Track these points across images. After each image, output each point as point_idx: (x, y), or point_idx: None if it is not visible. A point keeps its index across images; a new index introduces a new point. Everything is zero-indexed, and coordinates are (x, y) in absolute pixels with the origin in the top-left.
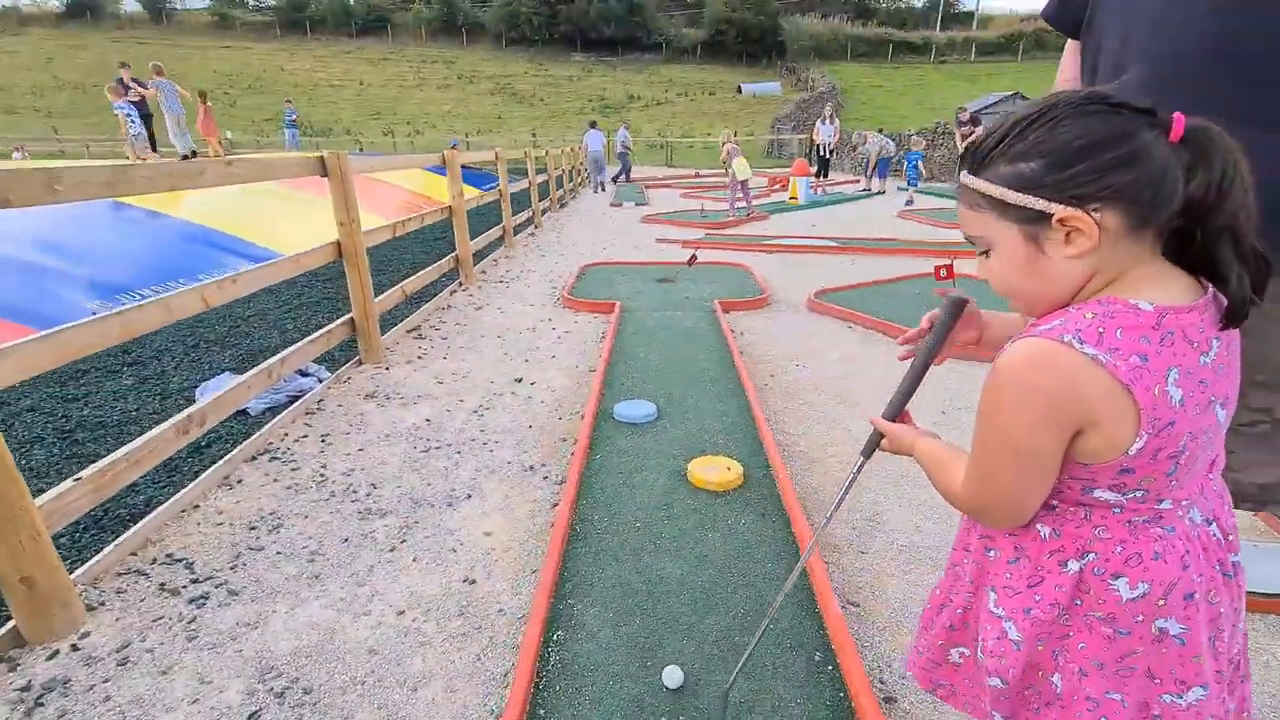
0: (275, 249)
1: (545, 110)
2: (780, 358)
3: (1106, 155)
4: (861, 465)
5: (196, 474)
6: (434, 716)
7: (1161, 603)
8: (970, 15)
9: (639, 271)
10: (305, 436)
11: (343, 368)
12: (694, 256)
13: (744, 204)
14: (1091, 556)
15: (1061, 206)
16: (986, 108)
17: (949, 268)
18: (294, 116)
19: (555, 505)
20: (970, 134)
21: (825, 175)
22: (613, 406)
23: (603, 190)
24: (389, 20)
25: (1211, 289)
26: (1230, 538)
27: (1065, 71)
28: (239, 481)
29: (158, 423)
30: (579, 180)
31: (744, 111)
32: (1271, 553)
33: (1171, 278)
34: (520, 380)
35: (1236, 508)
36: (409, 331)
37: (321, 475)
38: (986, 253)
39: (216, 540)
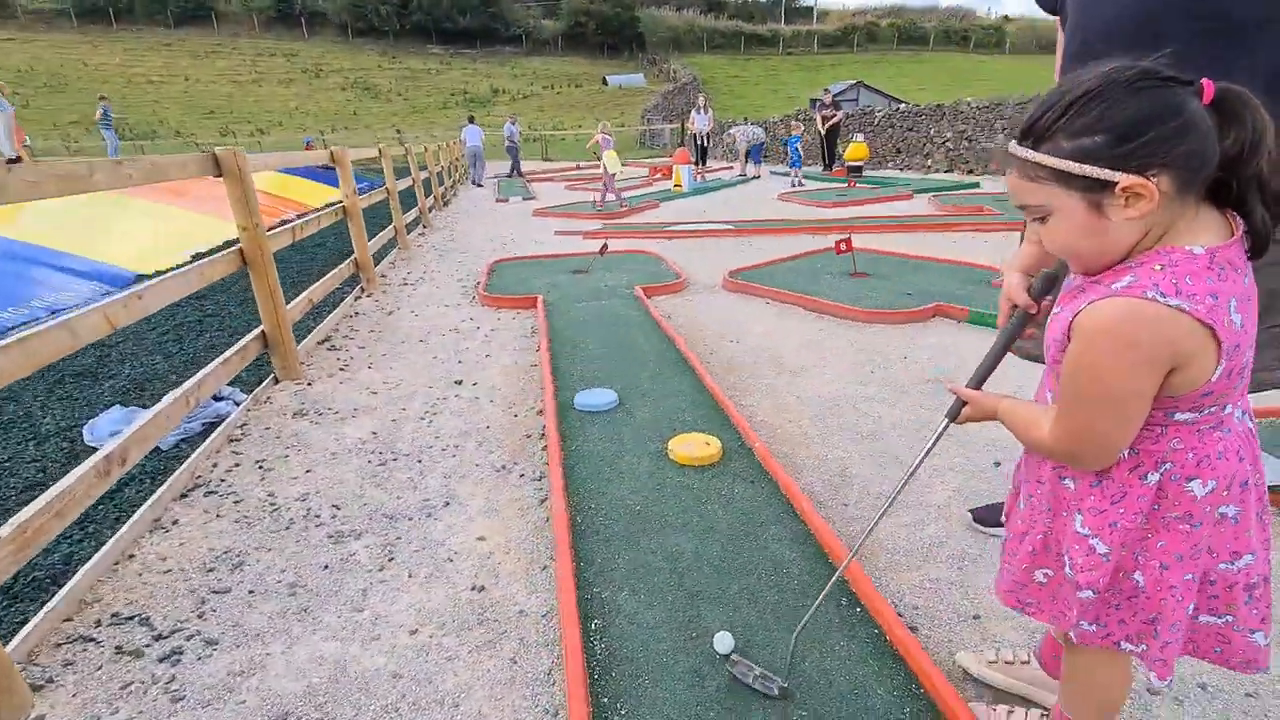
0: (112, 263)
1: (405, 105)
2: (711, 336)
3: (1163, 128)
4: (945, 427)
5: (117, 521)
6: None
7: (1225, 493)
8: (810, 10)
9: (549, 265)
10: (237, 465)
11: (258, 388)
12: (605, 246)
13: (613, 198)
14: (1168, 466)
15: (1125, 175)
16: (836, 95)
17: (848, 242)
18: (111, 117)
19: (543, 501)
20: (831, 116)
21: (704, 163)
22: (570, 398)
23: (481, 185)
24: (212, 9)
25: (1241, 225)
26: (1252, 419)
27: (1060, 50)
28: (174, 523)
29: (41, 470)
30: (457, 176)
31: (612, 103)
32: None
33: (1209, 220)
34: (460, 382)
35: None
36: (320, 343)
37: (272, 504)
38: (1043, 219)
39: (169, 590)
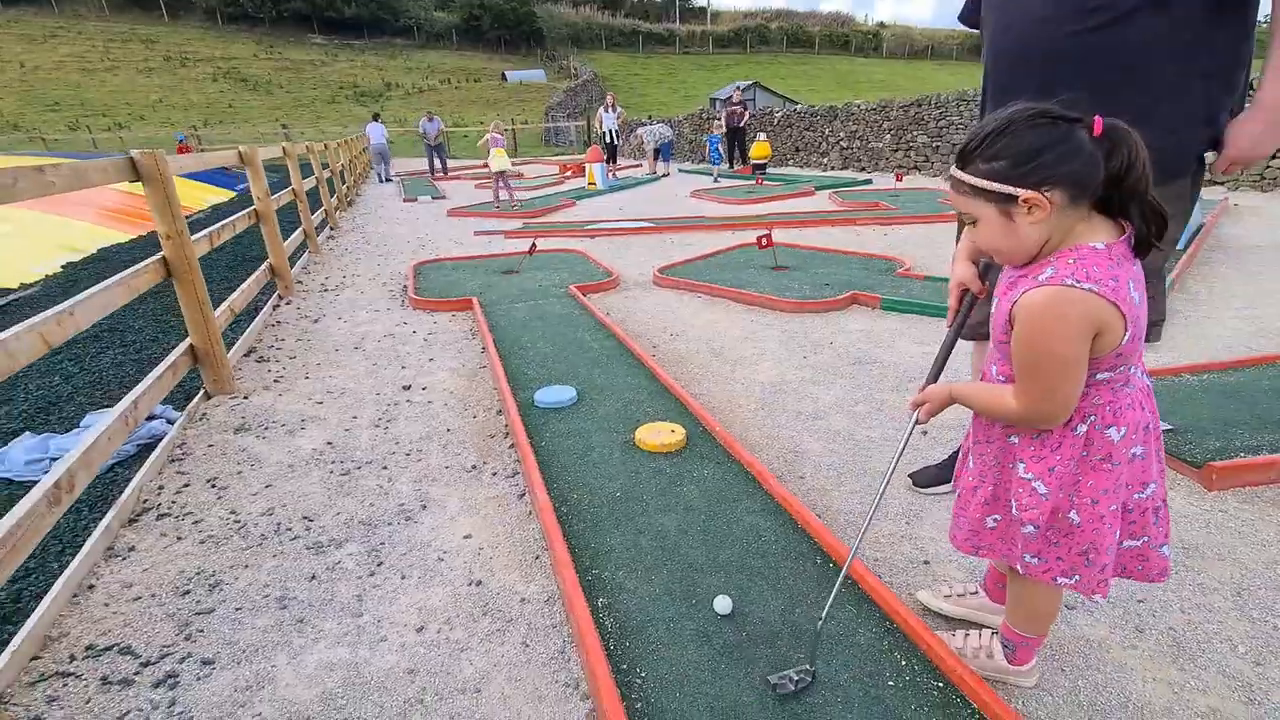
0: None
1: (289, 99)
2: (653, 331)
3: (1051, 154)
4: (913, 428)
5: (61, 553)
6: (514, 708)
7: (1135, 436)
8: (704, 11)
9: (476, 266)
10: (187, 486)
11: (190, 404)
12: (534, 245)
13: (505, 196)
14: (1093, 419)
15: (1023, 190)
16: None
17: (768, 237)
18: None
19: (522, 495)
20: (738, 113)
21: (614, 161)
22: (528, 397)
23: (389, 181)
24: None
25: (1128, 228)
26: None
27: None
28: (130, 549)
29: None
30: (359, 174)
31: (513, 99)
32: None
33: (1102, 224)
34: (409, 387)
35: None
36: (247, 355)
37: (236, 521)
38: (974, 223)
39: (144, 616)
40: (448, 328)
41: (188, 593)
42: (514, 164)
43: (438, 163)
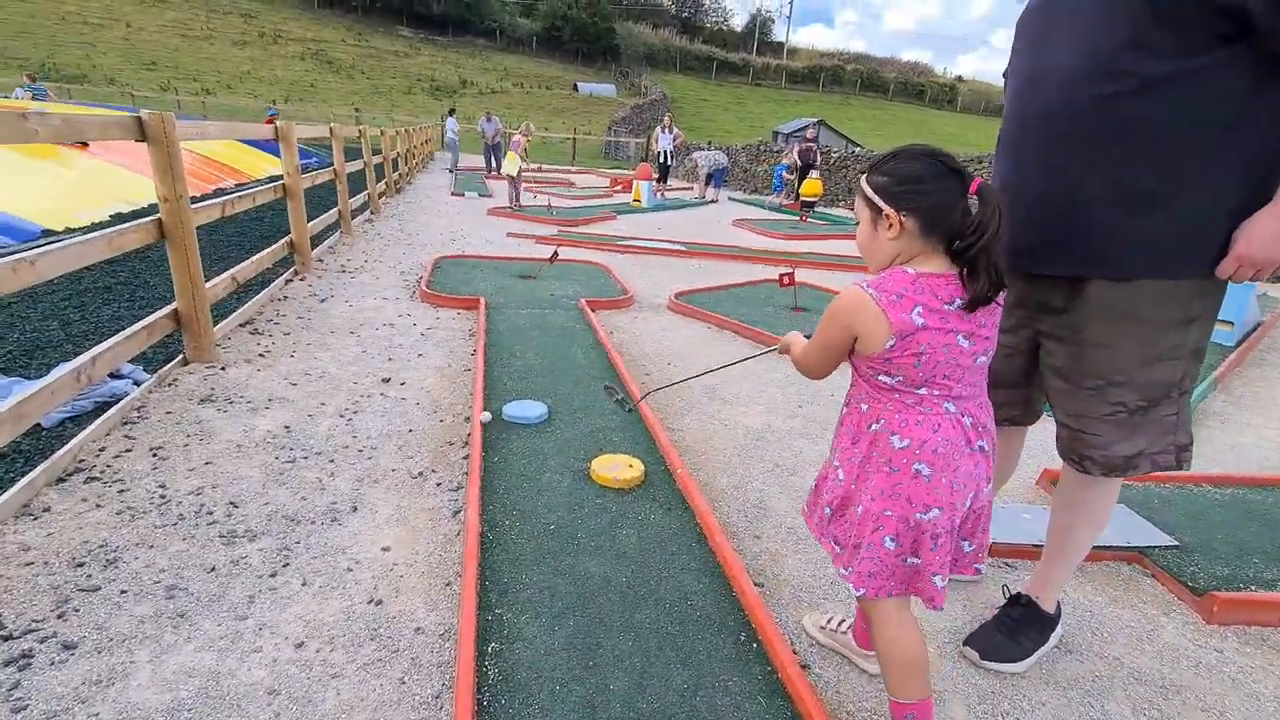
0: (15, 215)
1: (367, 85)
2: (653, 356)
3: (921, 186)
4: (767, 351)
5: None
6: None
7: (918, 452)
8: (781, 45)
9: (497, 266)
10: (129, 451)
11: (165, 367)
12: (556, 253)
13: (513, 197)
14: (883, 422)
15: (886, 206)
16: (797, 130)
17: (790, 276)
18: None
19: (457, 513)
20: (813, 150)
21: (665, 181)
22: (500, 407)
23: (453, 173)
24: None
25: (961, 272)
26: (982, 429)
27: None
28: (45, 510)
29: None
30: (415, 164)
31: (582, 109)
32: (1038, 514)
33: (940, 264)
34: (388, 380)
35: (1112, 474)
36: (242, 325)
37: (162, 496)
38: (859, 224)
39: (29, 584)
40: (449, 325)
41: (81, 565)
42: (571, 172)
43: (493, 162)
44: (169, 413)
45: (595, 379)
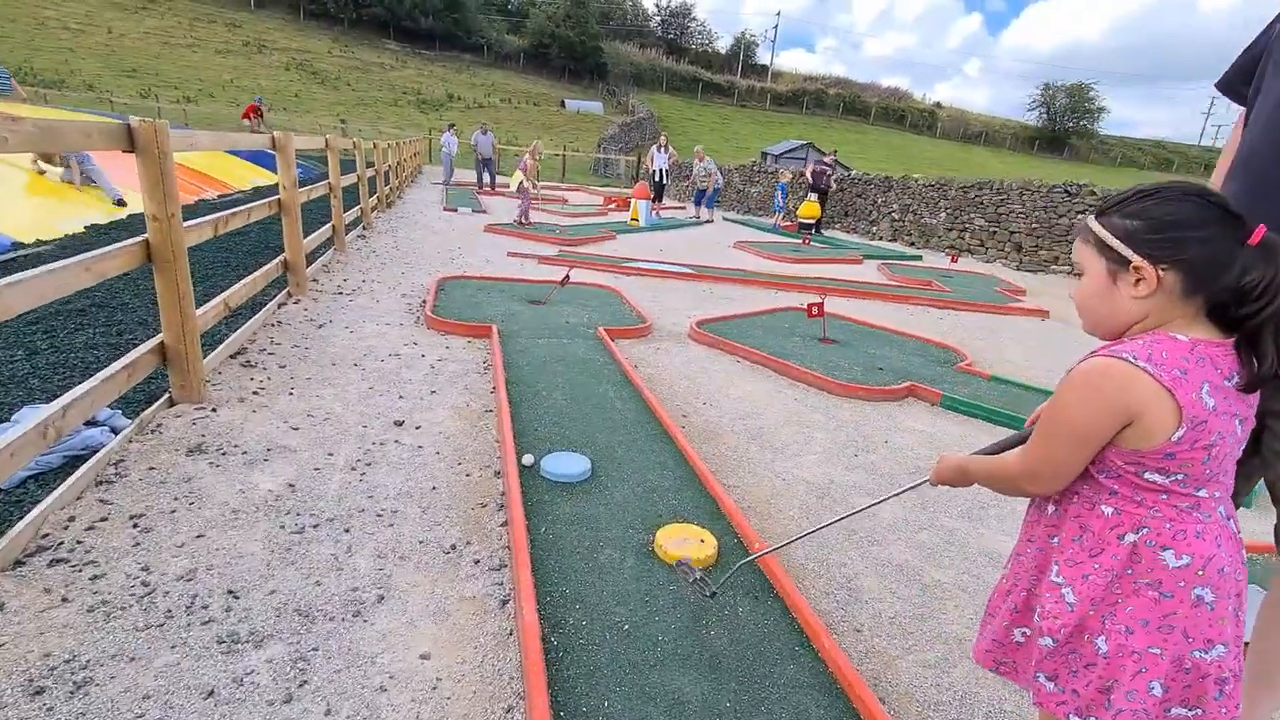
0: None
1: (353, 96)
2: (685, 395)
3: (1187, 233)
4: (918, 485)
5: None
6: None
7: (1200, 573)
8: (765, 68)
9: (504, 289)
10: (104, 521)
11: (147, 410)
12: (567, 276)
13: (517, 215)
14: (1145, 531)
15: (1139, 258)
16: (787, 152)
17: (820, 306)
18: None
19: (505, 603)
20: (826, 173)
21: (660, 200)
22: (537, 461)
23: (449, 186)
24: None
25: (1236, 343)
26: (1240, 534)
27: (1229, 144)
28: None
29: None
30: (405, 178)
31: (569, 126)
32: None
33: (1205, 331)
34: (402, 424)
35: None
36: (233, 357)
37: (145, 584)
38: (1080, 275)
39: None
40: (460, 356)
41: (41, 692)
42: (562, 189)
43: (486, 176)
44: (152, 468)
45: (633, 424)
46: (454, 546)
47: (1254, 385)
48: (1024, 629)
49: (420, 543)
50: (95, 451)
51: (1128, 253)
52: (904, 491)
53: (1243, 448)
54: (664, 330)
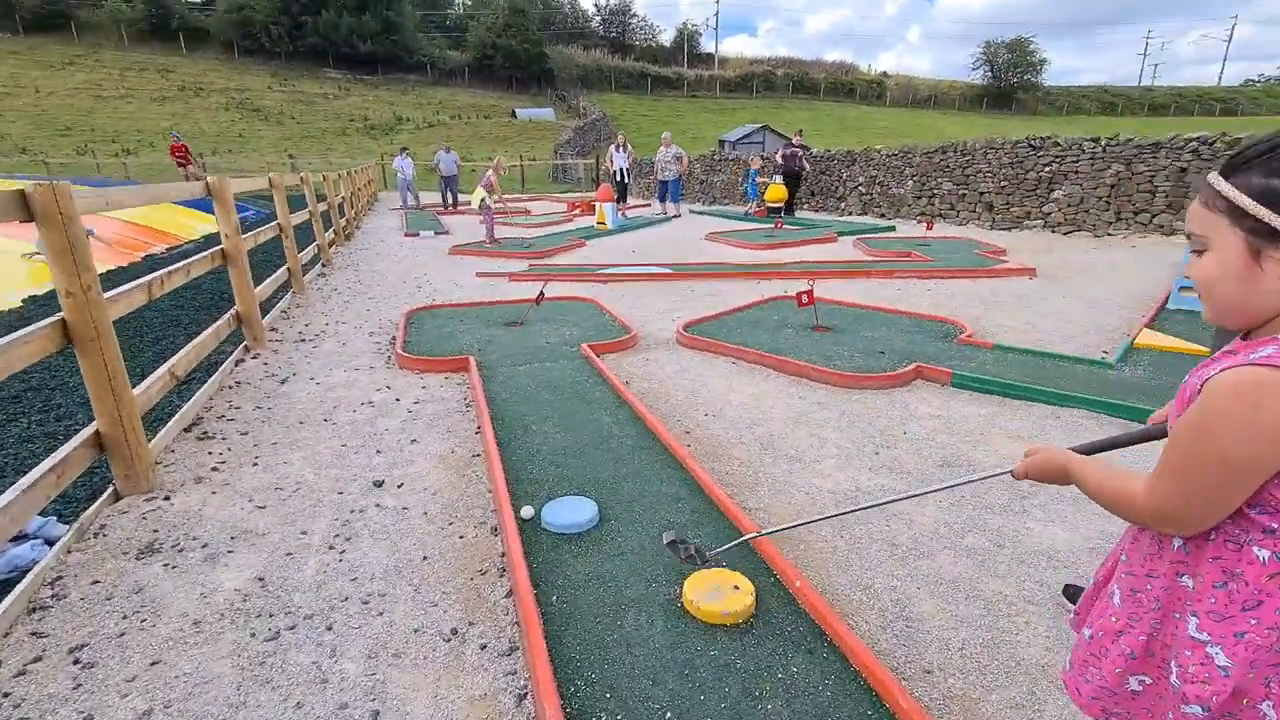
0: None
1: (298, 129)
2: (685, 408)
3: None
4: (1000, 474)
5: None
6: None
7: None
8: (711, 57)
9: (477, 314)
10: (36, 662)
11: (88, 510)
12: (542, 293)
13: (483, 235)
14: None
15: None
16: (744, 138)
17: (809, 294)
18: None
19: (523, 699)
20: (797, 155)
21: (624, 200)
22: (535, 511)
23: (409, 209)
24: (71, 17)
25: None
26: None
27: None
28: None
29: None
30: (361, 207)
31: (522, 136)
32: None
33: None
34: (381, 484)
35: None
36: (188, 430)
37: None
38: (1200, 251)
39: None
40: (438, 394)
41: None
42: (524, 200)
43: (448, 196)
44: (96, 582)
45: (635, 453)
46: (455, 630)
47: None
48: (1141, 677)
49: (415, 631)
50: (26, 572)
51: (1276, 222)
52: (979, 480)
53: None
54: (650, 338)
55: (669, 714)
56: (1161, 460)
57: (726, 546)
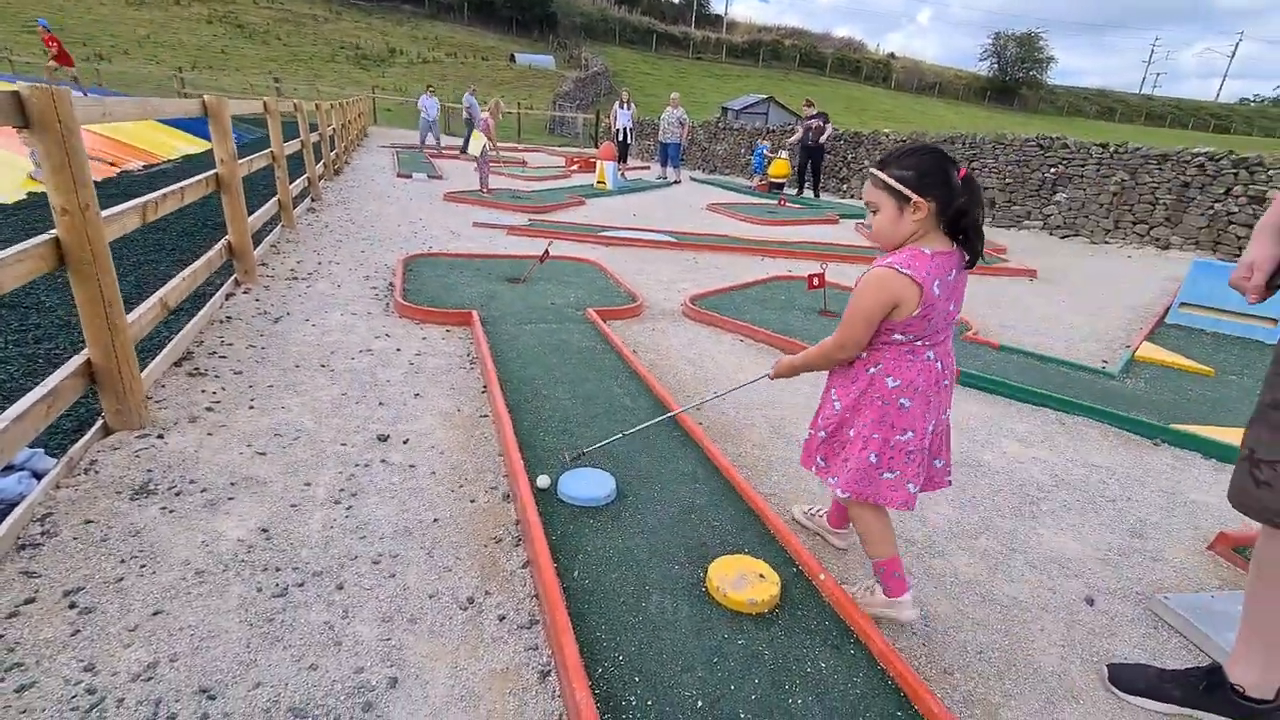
0: None
1: (285, 52)
2: (694, 384)
3: (937, 177)
4: (759, 379)
5: None
6: None
7: (905, 389)
8: (719, 18)
9: (477, 267)
10: (29, 604)
11: (77, 444)
12: (547, 251)
13: (477, 185)
14: (880, 366)
15: (917, 195)
16: (747, 108)
17: (821, 277)
18: None
19: (546, 675)
20: (817, 127)
21: (625, 161)
22: (551, 481)
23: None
24: None
25: (958, 246)
26: (949, 370)
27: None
28: None
29: None
30: (351, 140)
31: (521, 82)
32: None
33: (942, 239)
34: (387, 438)
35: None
36: (178, 365)
37: (90, 691)
38: (875, 211)
39: None
40: (440, 348)
41: None
42: (520, 150)
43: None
44: (89, 522)
45: (651, 427)
46: (471, 599)
47: (972, 264)
48: (812, 430)
49: (430, 596)
50: (13, 506)
51: (909, 192)
52: (749, 384)
53: (954, 316)
54: (656, 308)
55: (700, 702)
56: (841, 320)
57: (596, 445)
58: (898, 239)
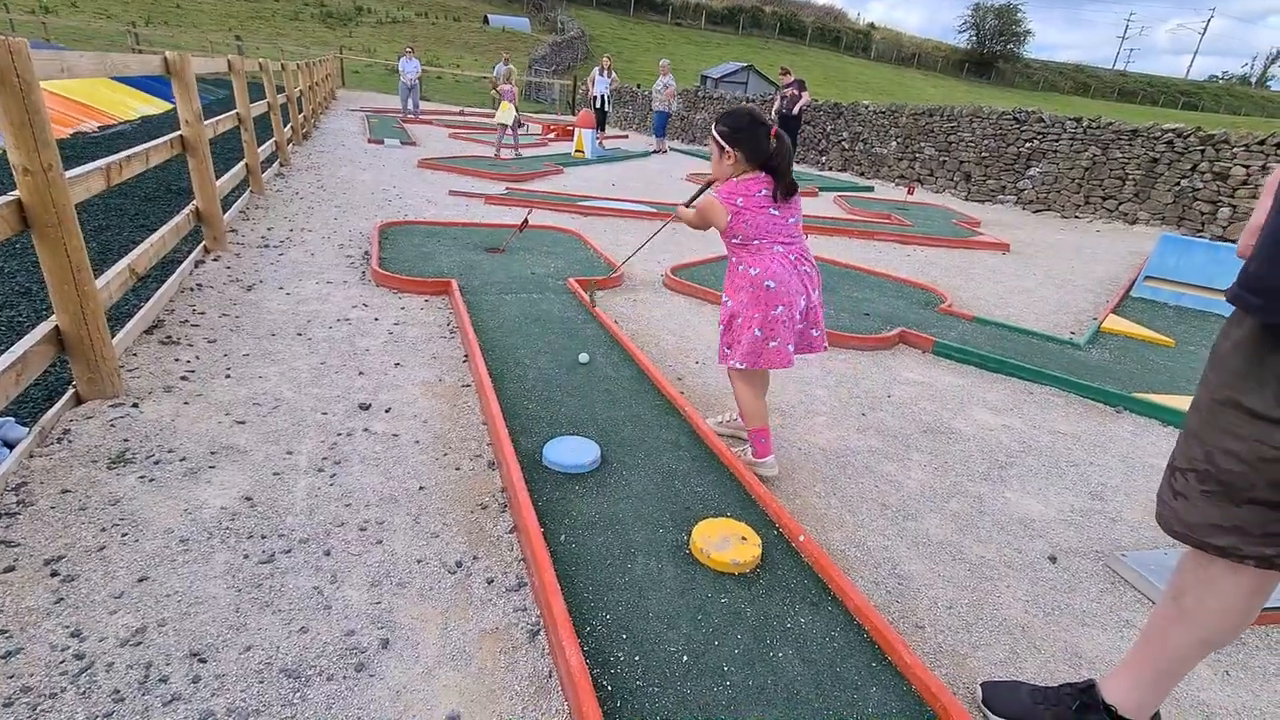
0: None
1: (245, 8)
2: (675, 354)
3: (744, 133)
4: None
5: None
6: None
7: (766, 275)
8: None
9: (455, 235)
10: (11, 571)
11: (48, 412)
12: (526, 220)
13: (510, 153)
14: (743, 263)
15: (728, 147)
16: (727, 76)
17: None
18: None
19: (535, 635)
20: (793, 95)
21: (602, 130)
22: (534, 446)
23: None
24: None
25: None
26: (802, 259)
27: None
28: None
29: None
30: (318, 103)
31: (494, 45)
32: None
33: (760, 177)
34: (369, 407)
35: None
36: (149, 333)
37: (78, 657)
38: (713, 156)
39: None
40: (419, 317)
41: None
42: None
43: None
44: (66, 491)
45: (632, 396)
46: (459, 564)
47: (787, 195)
48: (720, 331)
49: (418, 561)
50: None
51: (724, 144)
52: (663, 227)
53: (790, 221)
54: (636, 278)
55: (685, 657)
56: (697, 207)
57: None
58: (722, 174)
